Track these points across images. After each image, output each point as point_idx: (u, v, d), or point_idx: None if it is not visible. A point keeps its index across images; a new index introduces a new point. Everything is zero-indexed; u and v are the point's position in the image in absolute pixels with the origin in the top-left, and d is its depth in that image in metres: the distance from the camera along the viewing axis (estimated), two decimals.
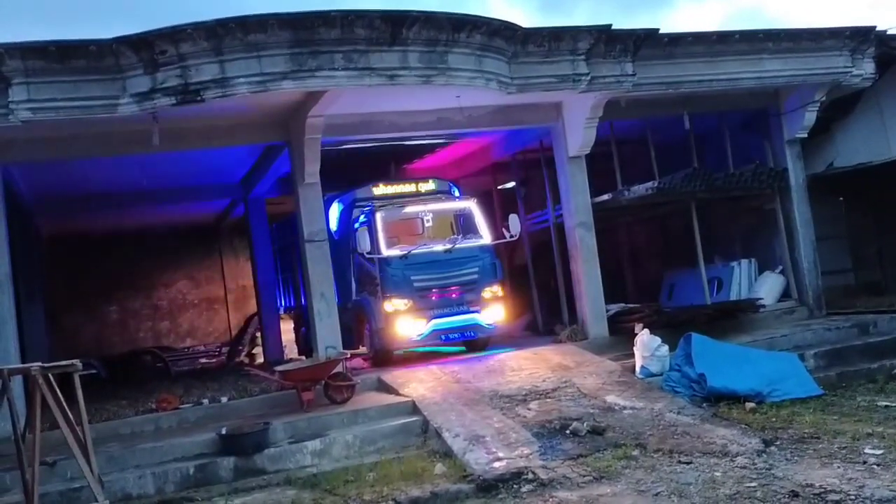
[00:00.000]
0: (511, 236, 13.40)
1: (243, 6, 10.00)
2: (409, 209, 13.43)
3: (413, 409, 10.32)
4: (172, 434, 10.29)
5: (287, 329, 18.07)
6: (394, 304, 12.76)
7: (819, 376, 11.01)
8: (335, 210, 14.37)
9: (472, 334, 13.13)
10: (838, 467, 7.40)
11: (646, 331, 11.57)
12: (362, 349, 13.63)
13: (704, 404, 10.10)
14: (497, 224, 14.65)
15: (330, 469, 9.04)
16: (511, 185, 17.08)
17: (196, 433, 10.04)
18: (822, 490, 6.75)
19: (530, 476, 7.89)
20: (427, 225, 13.32)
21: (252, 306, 19.93)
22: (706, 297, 14.52)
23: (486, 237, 13.50)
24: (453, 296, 12.97)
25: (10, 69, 9.51)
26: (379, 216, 13.12)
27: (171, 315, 22.71)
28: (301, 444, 9.57)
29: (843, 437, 8.38)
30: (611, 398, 10.10)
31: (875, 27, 13.80)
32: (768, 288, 14.93)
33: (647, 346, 11.35)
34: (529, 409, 9.86)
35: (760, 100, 14.58)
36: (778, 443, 8.36)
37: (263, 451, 9.35)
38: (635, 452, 8.36)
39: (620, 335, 12.78)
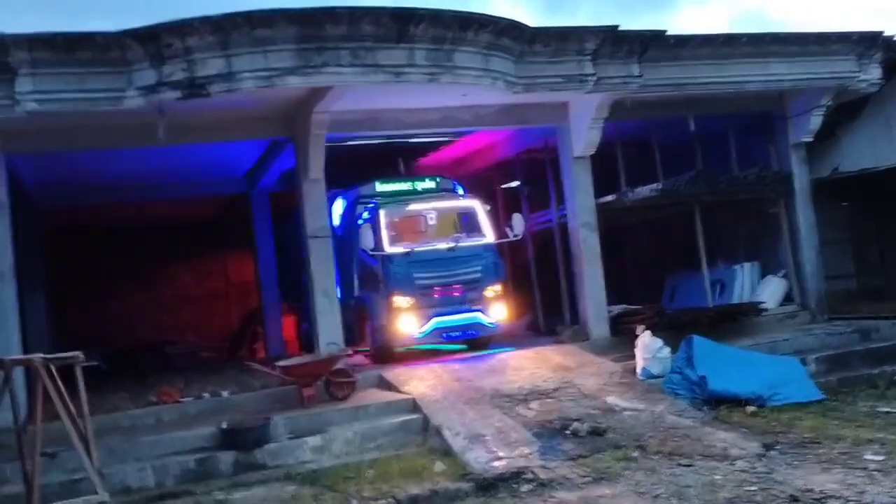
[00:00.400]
0: (515, 236, 13.40)
1: (250, 1, 9.97)
2: (413, 207, 13.43)
3: (414, 406, 10.32)
4: (173, 427, 10.28)
5: (289, 324, 18.05)
6: (396, 302, 12.75)
7: (820, 381, 10.99)
8: (339, 206, 14.37)
9: (474, 333, 13.13)
10: (838, 473, 7.39)
11: (647, 332, 11.57)
12: (363, 345, 13.62)
13: (705, 407, 10.08)
14: (501, 223, 14.65)
15: (330, 465, 9.06)
16: (515, 184, 17.08)
17: (197, 427, 10.04)
18: (822, 495, 6.74)
19: (530, 476, 7.90)
20: (430, 223, 13.31)
21: (254, 301, 19.91)
22: (708, 300, 14.51)
23: (489, 236, 13.50)
24: (456, 294, 12.96)
25: (16, 60, 9.52)
26: (382, 213, 13.12)
27: (172, 308, 22.66)
28: (301, 439, 9.58)
29: (843, 442, 8.37)
30: (611, 399, 10.10)
31: (882, 32, 13.79)
32: (771, 292, 14.92)
33: (648, 347, 11.34)
34: (530, 409, 9.86)
35: (766, 103, 14.56)
36: (778, 447, 8.34)
37: (264, 446, 9.36)
38: (635, 454, 8.36)
39: (622, 336, 12.76)
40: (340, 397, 10.87)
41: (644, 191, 14.17)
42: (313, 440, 9.55)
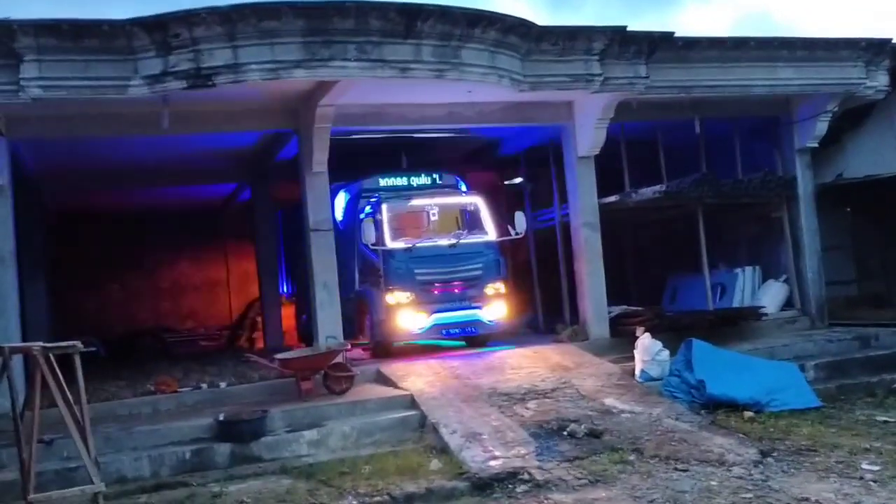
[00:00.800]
0: (516, 234, 13.37)
1: None
2: (416, 202, 13.40)
3: (411, 402, 10.32)
4: (170, 417, 10.31)
5: (288, 315, 18.06)
6: (396, 297, 12.74)
7: (818, 388, 10.99)
8: (341, 199, 14.35)
9: (473, 330, 13.11)
10: (835, 482, 7.39)
11: (647, 334, 11.56)
12: (362, 339, 13.61)
13: (703, 411, 10.08)
14: (503, 220, 14.63)
15: (326, 459, 9.05)
16: (518, 181, 17.05)
17: (194, 417, 10.05)
18: None
19: (526, 476, 7.89)
20: (433, 219, 13.28)
21: (254, 291, 19.91)
22: (709, 303, 14.50)
23: (491, 233, 13.48)
24: (456, 291, 12.95)
25: (22, 46, 9.49)
26: (385, 208, 13.10)
27: (172, 296, 22.70)
28: (298, 433, 9.58)
29: (840, 450, 8.37)
30: (609, 401, 10.08)
31: (891, 39, 13.74)
32: (771, 296, 14.92)
33: (647, 349, 11.33)
34: (527, 409, 9.85)
35: (772, 107, 14.53)
36: (775, 454, 8.35)
37: (260, 438, 9.37)
38: (632, 457, 8.35)
39: (621, 337, 12.75)
40: (338, 391, 10.87)
41: (647, 192, 14.15)
42: (310, 434, 9.55)
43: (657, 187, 14.09)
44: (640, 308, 13.94)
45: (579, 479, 7.80)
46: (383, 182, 14.04)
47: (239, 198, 19.32)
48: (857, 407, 10.55)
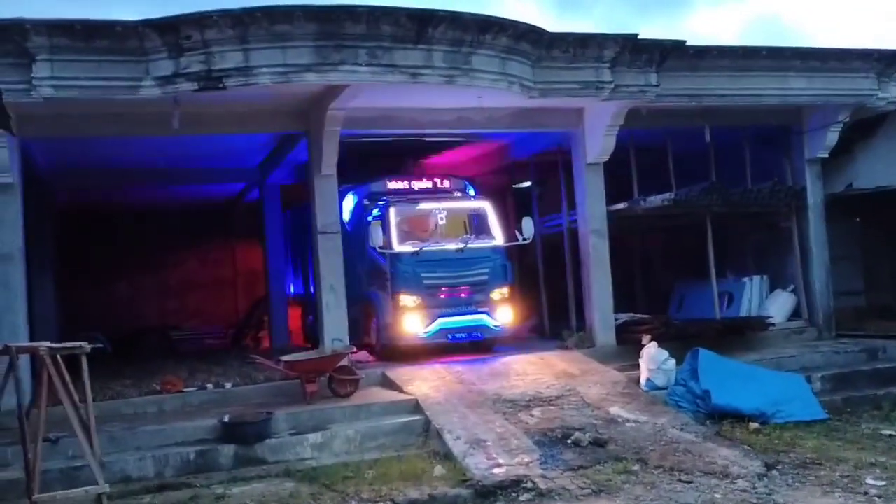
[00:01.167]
0: (524, 239, 13.37)
1: None
2: (424, 206, 13.41)
3: (416, 407, 10.32)
4: (175, 417, 10.33)
5: (294, 315, 18.09)
6: (402, 300, 12.75)
7: (824, 400, 10.97)
8: (349, 202, 14.36)
9: (479, 335, 13.09)
10: (839, 497, 7.39)
11: (653, 343, 11.54)
12: (369, 343, 13.62)
13: (708, 421, 10.07)
14: (511, 225, 14.61)
15: (329, 463, 9.08)
16: (527, 184, 17.03)
17: (198, 418, 10.07)
18: None
19: (529, 485, 7.90)
20: (440, 223, 13.28)
21: (260, 291, 19.93)
22: (716, 311, 14.46)
23: (498, 238, 13.48)
24: (462, 295, 12.95)
25: (35, 45, 9.52)
26: (393, 211, 13.11)
27: (179, 294, 22.71)
28: (302, 436, 9.61)
29: (845, 464, 8.36)
30: (614, 410, 10.08)
31: None
32: (779, 306, 14.85)
33: (653, 358, 11.31)
34: (532, 416, 9.85)
35: (783, 117, 14.48)
36: (780, 467, 8.33)
37: (264, 440, 9.40)
38: (636, 467, 8.35)
39: (627, 345, 12.72)
40: (343, 395, 10.88)
41: (656, 200, 14.12)
42: (314, 437, 9.57)
43: (666, 195, 14.06)
44: (646, 316, 13.92)
45: (583, 488, 7.80)
46: (392, 185, 14.04)
47: (247, 197, 19.35)
48: (864, 420, 10.54)
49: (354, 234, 13.77)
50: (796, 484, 7.81)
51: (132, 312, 21.47)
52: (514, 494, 7.81)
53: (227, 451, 9.24)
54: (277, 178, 16.65)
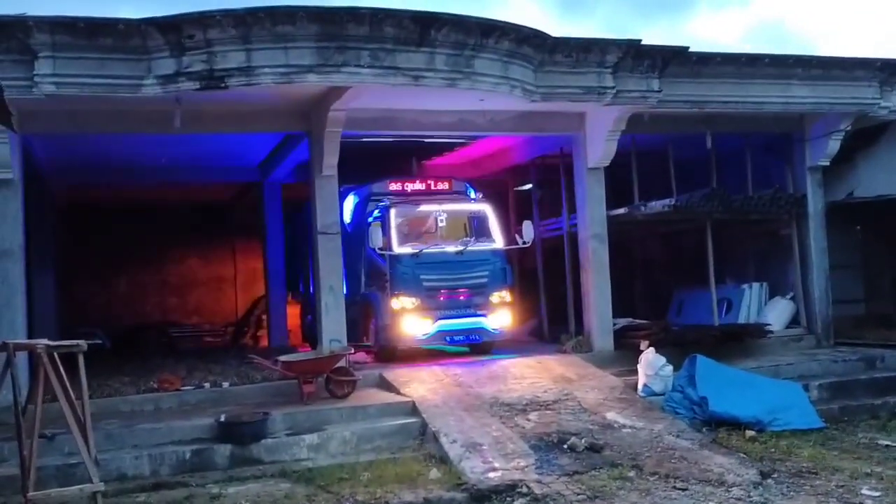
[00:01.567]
0: (524, 243, 13.38)
1: None
2: (424, 208, 13.42)
3: (413, 409, 10.32)
4: (172, 416, 10.33)
5: (293, 314, 18.11)
6: (401, 302, 12.76)
7: (822, 408, 10.95)
8: (350, 202, 14.38)
9: (478, 338, 13.10)
10: None
11: (651, 349, 11.53)
12: (366, 341, 13.62)
13: (704, 429, 10.06)
14: (511, 227, 14.61)
15: (325, 464, 9.07)
16: (528, 186, 17.04)
17: (195, 417, 10.08)
18: None
19: (524, 490, 7.89)
20: (441, 225, 13.28)
21: (260, 289, 19.96)
22: (715, 318, 14.45)
23: (498, 241, 13.49)
24: (461, 298, 12.97)
25: (37, 42, 9.54)
26: (393, 212, 13.13)
27: (179, 291, 22.76)
28: (298, 436, 9.60)
29: (841, 474, 8.35)
30: (611, 415, 10.07)
31: None
32: (778, 314, 14.85)
33: (651, 364, 11.30)
34: (529, 420, 9.84)
35: (785, 124, 14.48)
36: (775, 475, 8.31)
37: (261, 441, 9.39)
38: (631, 474, 8.33)
39: (625, 350, 12.71)
40: (340, 396, 10.88)
41: (657, 205, 14.11)
42: (310, 438, 9.56)
43: (666, 201, 14.06)
44: (645, 321, 13.93)
45: (578, 494, 7.78)
46: (392, 186, 14.05)
47: (249, 196, 19.36)
48: (860, 429, 10.51)
49: (355, 234, 13.80)
50: (791, 493, 7.80)
51: (132, 309, 21.52)
52: (508, 499, 7.80)
53: (224, 450, 9.24)
54: (278, 178, 16.66)
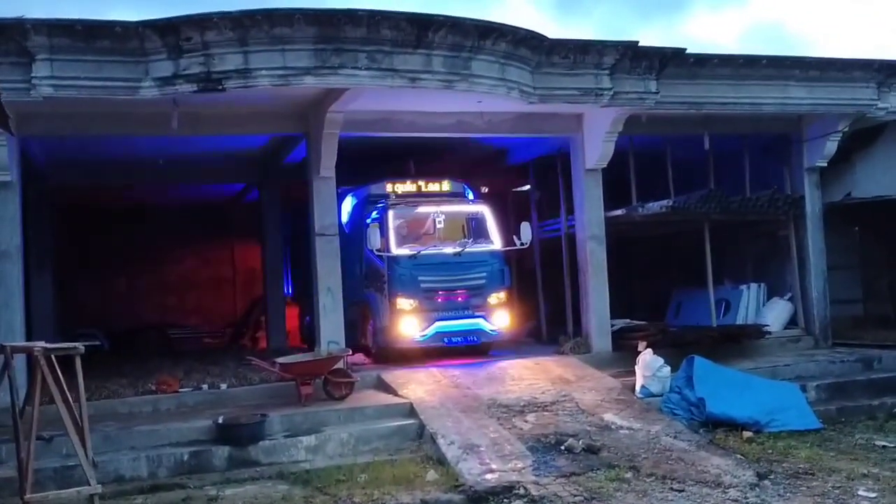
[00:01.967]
0: (522, 244, 13.39)
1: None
2: (422, 209, 13.42)
3: (410, 411, 10.34)
4: (170, 417, 10.35)
5: (292, 315, 18.11)
6: (399, 303, 12.78)
7: (819, 409, 10.95)
8: (348, 204, 14.39)
9: (476, 339, 13.11)
10: None
11: (649, 350, 11.55)
12: (365, 345, 13.64)
13: (701, 430, 10.07)
14: (509, 228, 14.61)
15: (323, 466, 9.09)
16: (526, 187, 17.05)
17: (193, 419, 10.09)
18: None
19: (521, 491, 7.89)
20: (439, 226, 13.28)
21: (259, 289, 19.95)
22: (713, 319, 14.47)
23: (496, 243, 13.50)
24: (459, 299, 12.98)
25: (35, 45, 9.56)
26: (391, 214, 13.14)
27: (178, 292, 22.73)
28: (296, 438, 9.61)
29: (837, 475, 8.35)
30: (608, 416, 10.08)
31: None
32: (776, 314, 14.87)
33: (649, 365, 11.32)
34: (526, 422, 9.86)
35: (782, 125, 14.50)
36: (772, 476, 8.32)
37: (258, 442, 9.41)
38: (628, 475, 8.34)
39: (623, 351, 12.75)
40: (338, 397, 10.89)
41: (654, 206, 14.12)
42: (308, 440, 9.57)
43: (664, 202, 14.07)
44: (643, 322, 13.94)
45: (575, 495, 7.79)
46: (390, 188, 14.06)
47: (247, 197, 19.38)
48: (858, 430, 10.50)
49: (353, 236, 13.81)
50: (788, 494, 7.81)
51: (131, 310, 21.50)
52: (506, 500, 7.80)
53: (221, 452, 9.25)
54: (277, 178, 16.66)
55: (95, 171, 15.58)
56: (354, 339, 13.18)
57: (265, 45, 9.78)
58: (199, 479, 8.78)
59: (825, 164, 14.58)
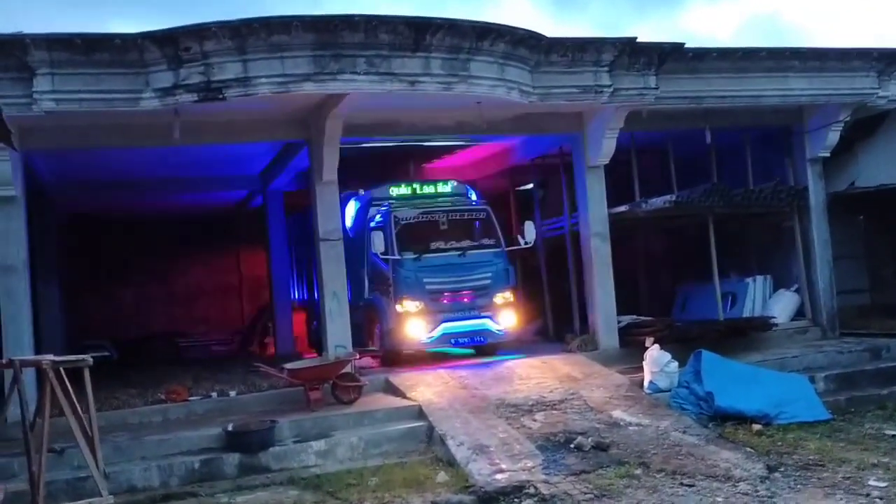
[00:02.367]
0: (526, 243, 13.40)
1: (266, 6, 10.02)
2: (425, 211, 13.43)
3: (419, 413, 10.36)
4: (180, 426, 10.38)
5: (299, 321, 18.15)
6: (405, 306, 12.81)
7: (828, 400, 10.95)
8: (351, 208, 14.41)
9: (482, 339, 13.14)
10: (841, 499, 7.38)
11: (656, 346, 11.56)
12: (372, 346, 13.65)
13: (710, 424, 10.06)
14: (513, 227, 14.62)
15: (333, 470, 9.11)
16: (529, 186, 17.07)
17: (203, 427, 10.13)
18: None
19: (532, 491, 7.90)
20: (442, 228, 13.32)
21: (265, 297, 20.01)
22: (719, 312, 14.45)
23: (500, 242, 13.51)
24: (465, 300, 13.00)
25: (35, 60, 9.61)
26: (395, 217, 13.15)
27: (185, 301, 22.80)
28: (306, 443, 9.64)
29: (847, 465, 8.34)
30: (617, 413, 10.08)
31: None
32: (782, 306, 14.84)
33: (656, 361, 11.33)
34: (535, 421, 9.87)
35: (784, 117, 14.47)
36: (782, 469, 8.32)
37: (268, 449, 9.43)
38: (638, 471, 8.34)
39: (631, 347, 12.75)
40: (347, 401, 10.92)
41: (658, 202, 14.12)
42: (318, 445, 9.60)
43: (667, 197, 14.06)
44: (649, 318, 13.94)
45: (585, 493, 7.80)
46: (393, 191, 14.08)
47: (251, 204, 19.45)
48: (867, 420, 10.51)
49: (357, 240, 13.83)
50: (798, 486, 7.81)
51: (139, 320, 21.60)
52: (516, 500, 7.82)
53: (232, 459, 9.28)
54: (280, 185, 16.72)
55: (100, 185, 15.70)
56: (361, 342, 13.20)
57: (264, 52, 9.81)
58: (211, 487, 8.82)
59: (828, 155, 14.55)
